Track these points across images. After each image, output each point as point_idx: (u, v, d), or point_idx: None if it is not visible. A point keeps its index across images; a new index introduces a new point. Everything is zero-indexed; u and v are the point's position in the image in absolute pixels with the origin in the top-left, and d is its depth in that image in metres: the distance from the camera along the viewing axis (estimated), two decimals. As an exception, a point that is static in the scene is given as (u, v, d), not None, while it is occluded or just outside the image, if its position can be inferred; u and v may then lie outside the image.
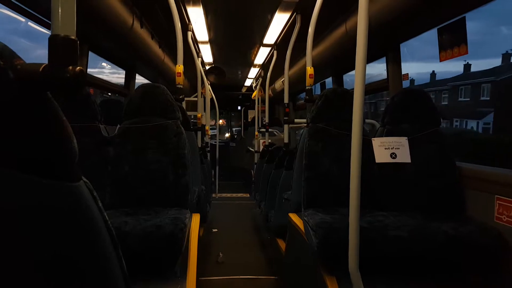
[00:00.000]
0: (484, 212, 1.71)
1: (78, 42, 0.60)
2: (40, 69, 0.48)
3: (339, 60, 3.47)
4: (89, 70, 2.98)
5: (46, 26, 2.26)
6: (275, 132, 6.44)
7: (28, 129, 0.47)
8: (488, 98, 20.48)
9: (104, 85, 3.49)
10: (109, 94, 4.13)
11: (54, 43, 0.58)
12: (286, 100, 3.37)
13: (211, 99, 5.82)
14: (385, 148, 1.89)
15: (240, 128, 9.10)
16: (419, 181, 1.92)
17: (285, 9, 2.98)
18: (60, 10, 0.61)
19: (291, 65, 3.72)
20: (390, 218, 1.67)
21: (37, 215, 0.47)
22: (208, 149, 5.29)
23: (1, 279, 0.45)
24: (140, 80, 4.36)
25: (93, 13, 2.18)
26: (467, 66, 24.15)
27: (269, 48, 4.43)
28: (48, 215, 0.49)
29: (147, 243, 1.43)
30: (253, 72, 6.31)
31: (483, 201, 1.73)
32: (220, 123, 8.16)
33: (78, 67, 0.55)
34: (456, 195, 1.87)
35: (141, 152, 1.93)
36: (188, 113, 3.11)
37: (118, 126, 2.03)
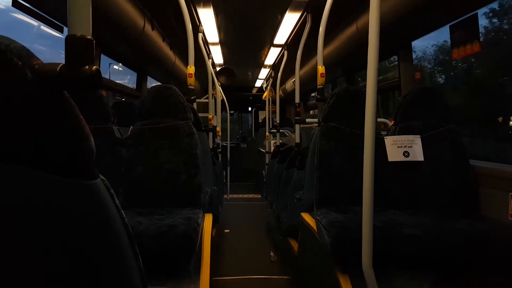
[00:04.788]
0: (499, 210, 1.68)
1: (94, 41, 0.61)
2: (58, 68, 0.49)
3: (350, 59, 3.45)
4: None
5: (58, 28, 2.29)
6: (286, 133, 6.43)
7: (46, 127, 0.48)
8: None
9: (116, 88, 3.53)
10: (120, 97, 4.18)
11: (71, 43, 0.59)
12: (297, 100, 3.36)
13: (222, 101, 5.84)
14: (398, 147, 1.87)
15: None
16: (432, 179, 1.90)
17: (295, 9, 2.97)
18: (76, 11, 0.62)
19: (302, 65, 3.72)
20: (404, 217, 1.66)
21: (55, 213, 0.48)
22: (219, 150, 5.30)
23: (21, 276, 0.46)
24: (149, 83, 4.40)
25: (105, 16, 2.21)
26: None
27: (280, 49, 4.43)
28: (67, 212, 0.50)
29: (161, 242, 1.44)
30: (264, 72, 6.31)
31: (497, 199, 1.70)
32: None
33: (94, 67, 0.56)
34: (470, 193, 1.85)
35: (154, 152, 1.95)
36: (199, 114, 3.13)
37: (131, 127, 2.05)
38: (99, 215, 0.54)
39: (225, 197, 5.94)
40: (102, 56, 2.95)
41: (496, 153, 3.50)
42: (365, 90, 1.22)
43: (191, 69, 2.60)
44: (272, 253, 3.19)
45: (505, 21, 3.92)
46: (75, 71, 0.54)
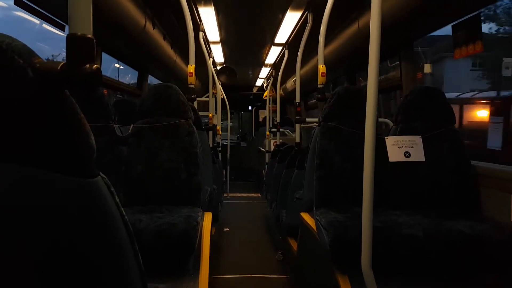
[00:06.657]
0: (499, 211, 1.68)
1: (95, 40, 0.61)
2: (58, 67, 0.49)
3: (352, 58, 3.45)
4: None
5: (60, 27, 2.29)
6: (286, 132, 6.44)
7: (47, 126, 0.48)
8: None
9: (117, 86, 3.53)
10: (121, 95, 4.18)
11: (72, 41, 0.59)
12: (297, 99, 3.36)
13: (222, 100, 5.84)
14: (399, 147, 1.87)
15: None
16: (433, 180, 1.90)
17: (296, 8, 2.97)
18: (77, 10, 0.62)
19: (302, 64, 3.72)
20: (404, 217, 1.66)
21: (55, 211, 0.48)
22: (219, 149, 5.31)
23: (20, 273, 0.46)
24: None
25: (106, 15, 2.20)
26: None
27: (281, 47, 4.42)
28: (67, 210, 0.50)
29: (161, 240, 1.44)
30: (264, 71, 6.31)
31: (498, 200, 1.70)
32: None
33: (95, 65, 0.56)
34: (471, 194, 1.84)
35: (154, 151, 1.95)
36: (200, 113, 3.13)
37: (132, 126, 2.05)
38: (100, 213, 0.54)
39: (224, 195, 5.95)
40: (106, 56, 2.95)
41: None
42: (366, 90, 1.22)
43: (191, 68, 2.60)
44: (279, 253, 3.19)
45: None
46: (76, 69, 0.54)
